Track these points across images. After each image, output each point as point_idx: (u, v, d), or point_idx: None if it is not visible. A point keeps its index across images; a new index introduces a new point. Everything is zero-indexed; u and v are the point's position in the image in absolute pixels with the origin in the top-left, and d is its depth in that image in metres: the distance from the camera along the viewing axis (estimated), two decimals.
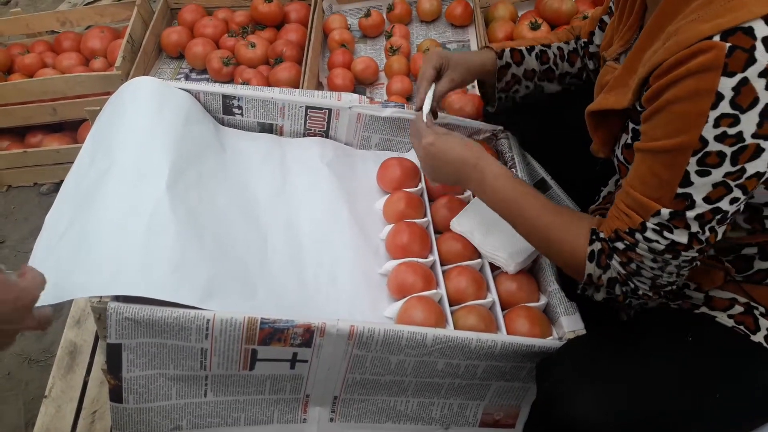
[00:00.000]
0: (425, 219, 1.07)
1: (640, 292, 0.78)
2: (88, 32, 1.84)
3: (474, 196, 1.06)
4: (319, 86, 1.67)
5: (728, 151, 0.65)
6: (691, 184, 0.68)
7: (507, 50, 1.09)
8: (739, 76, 0.61)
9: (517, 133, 1.19)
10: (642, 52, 0.74)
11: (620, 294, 0.80)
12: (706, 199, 0.68)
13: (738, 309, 0.81)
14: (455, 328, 0.92)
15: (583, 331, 0.89)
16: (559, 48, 1.10)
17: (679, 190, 0.68)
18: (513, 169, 1.12)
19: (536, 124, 1.16)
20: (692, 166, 0.67)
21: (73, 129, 1.73)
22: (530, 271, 1.01)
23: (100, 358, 1.15)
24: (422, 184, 1.12)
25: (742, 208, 0.71)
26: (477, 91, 1.55)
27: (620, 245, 0.76)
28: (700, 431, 0.76)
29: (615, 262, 0.77)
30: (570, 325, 0.89)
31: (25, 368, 1.31)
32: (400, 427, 0.95)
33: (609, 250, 0.77)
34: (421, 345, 0.84)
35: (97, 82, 1.59)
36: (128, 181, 0.89)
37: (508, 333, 0.92)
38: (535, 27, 1.62)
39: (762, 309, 0.80)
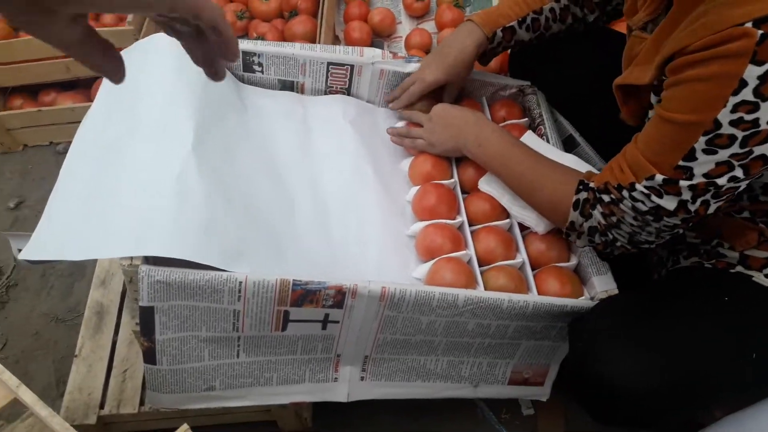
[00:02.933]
0: (452, 180, 1.05)
1: (618, 244, 0.82)
2: None
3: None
4: (335, 40, 1.62)
5: (740, 135, 0.64)
6: (695, 159, 0.68)
7: (498, 31, 1.07)
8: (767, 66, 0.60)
9: (545, 89, 1.16)
10: (670, 29, 0.72)
11: (600, 243, 0.84)
12: (706, 175, 0.69)
13: None
14: (485, 288, 0.91)
15: (616, 291, 0.88)
16: (551, 10, 1.07)
17: (681, 163, 0.69)
18: (541, 126, 1.10)
19: (564, 80, 1.13)
20: (700, 144, 0.67)
21: (86, 87, 1.70)
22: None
23: (126, 318, 1.16)
24: None
25: (743, 187, 0.71)
26: None
27: (606, 198, 0.79)
28: (737, 392, 0.76)
29: (597, 212, 0.80)
30: (602, 285, 0.89)
31: (53, 327, 1.32)
32: (429, 385, 0.96)
33: (594, 200, 0.81)
34: (452, 306, 0.84)
35: (110, 38, 1.52)
36: (153, 142, 0.88)
37: (539, 293, 0.91)
38: None
39: None
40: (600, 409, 0.80)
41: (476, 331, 0.89)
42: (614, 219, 0.79)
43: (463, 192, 1.05)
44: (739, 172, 0.68)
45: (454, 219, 1.00)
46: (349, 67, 1.12)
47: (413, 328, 0.87)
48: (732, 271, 0.83)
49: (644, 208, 0.75)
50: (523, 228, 1.00)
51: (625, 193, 0.76)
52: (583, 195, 0.82)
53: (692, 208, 0.72)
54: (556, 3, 1.07)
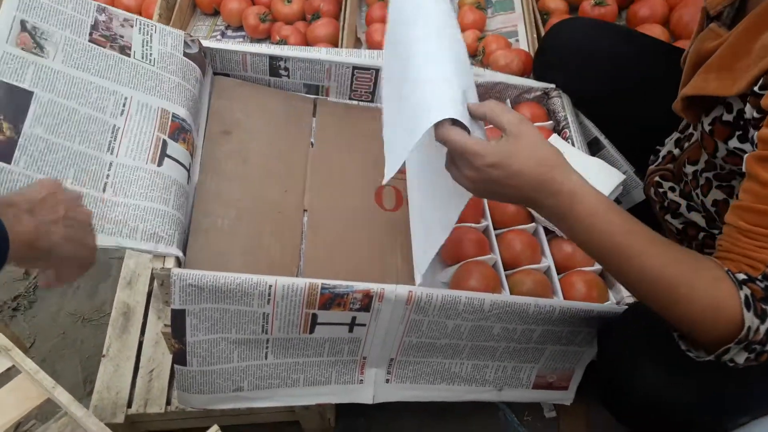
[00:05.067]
0: None
1: None
2: None
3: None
4: (357, 43, 1.63)
5: None
6: None
7: None
8: None
9: (570, 91, 1.16)
10: (756, 31, 0.64)
11: (765, 352, 0.62)
12: None
13: None
14: (511, 293, 0.92)
15: None
16: None
17: None
18: (566, 129, 1.10)
19: (589, 83, 1.12)
20: None
21: None
22: None
23: (152, 319, 1.18)
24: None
25: None
26: (521, 46, 1.50)
27: None
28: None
29: None
30: None
31: (79, 327, 1.34)
32: (453, 388, 0.97)
33: (764, 292, 0.61)
34: (478, 310, 0.84)
35: None
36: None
37: (565, 297, 0.91)
38: (599, 2, 1.42)
39: None
40: (628, 415, 0.80)
41: (501, 335, 0.89)
42: None
43: None
44: None
45: (479, 223, 1.00)
46: (373, 71, 1.12)
47: (439, 332, 0.88)
48: None
49: None
50: (548, 232, 1.00)
51: None
52: (746, 290, 0.61)
53: None
54: None
